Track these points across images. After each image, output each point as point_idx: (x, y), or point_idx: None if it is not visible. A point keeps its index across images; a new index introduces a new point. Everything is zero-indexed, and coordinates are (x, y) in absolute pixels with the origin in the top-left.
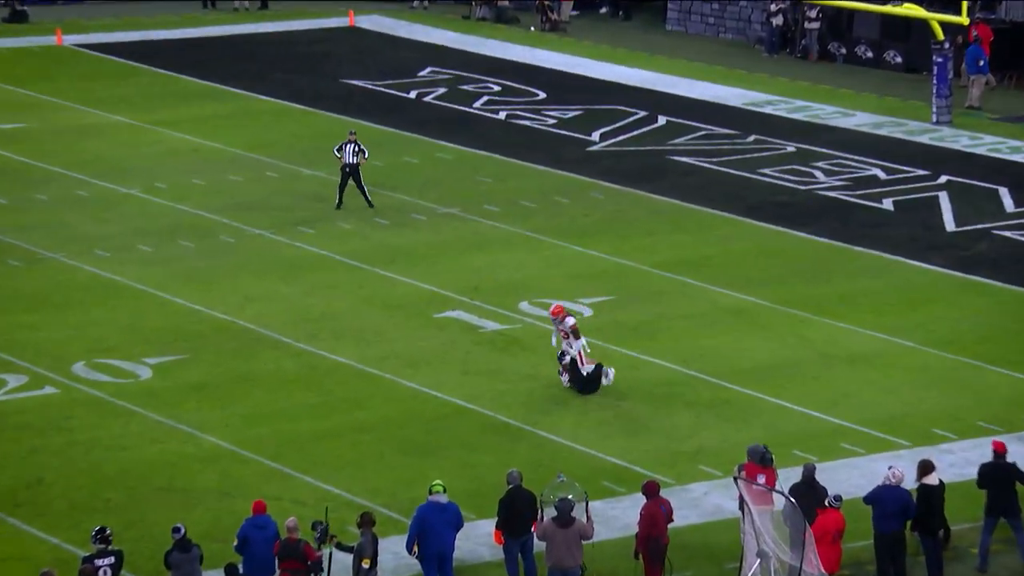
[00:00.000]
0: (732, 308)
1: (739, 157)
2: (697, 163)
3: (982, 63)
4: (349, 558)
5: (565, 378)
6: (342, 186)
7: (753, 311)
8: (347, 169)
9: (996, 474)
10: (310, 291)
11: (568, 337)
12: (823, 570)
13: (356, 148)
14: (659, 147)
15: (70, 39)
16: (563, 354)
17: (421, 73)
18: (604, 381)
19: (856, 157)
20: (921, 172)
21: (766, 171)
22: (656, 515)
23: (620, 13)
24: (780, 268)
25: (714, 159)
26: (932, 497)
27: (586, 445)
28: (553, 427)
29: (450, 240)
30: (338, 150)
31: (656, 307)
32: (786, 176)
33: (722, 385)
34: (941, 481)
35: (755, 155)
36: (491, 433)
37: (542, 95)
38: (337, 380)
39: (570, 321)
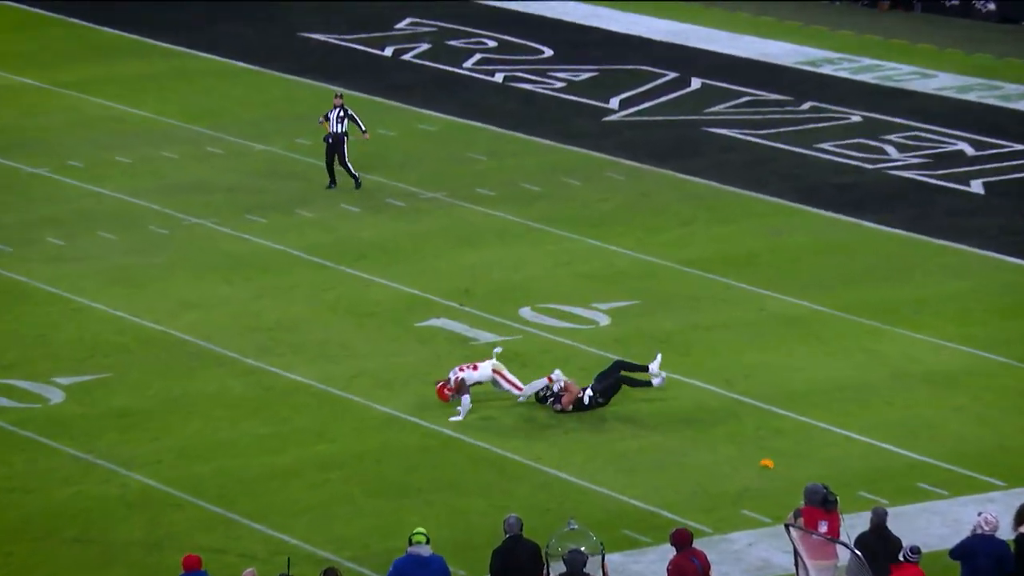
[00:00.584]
0: (784, 316)
1: (792, 129)
2: (740, 136)
3: None
4: None
5: (557, 406)
6: (329, 161)
7: (810, 320)
8: (329, 139)
9: None
10: (261, 294)
11: (456, 392)
12: None
13: (342, 114)
14: (692, 116)
15: None
16: (545, 397)
17: (399, 25)
18: (656, 382)
19: (937, 128)
20: (1019, 147)
21: (825, 146)
22: (687, 571)
23: None
24: (843, 266)
25: (761, 131)
26: None
27: (603, 484)
28: (562, 462)
29: (435, 232)
30: (324, 119)
31: (690, 315)
32: (850, 152)
33: (772, 411)
34: None
35: (812, 126)
36: (485, 469)
37: (548, 52)
38: (295, 405)
39: (459, 376)
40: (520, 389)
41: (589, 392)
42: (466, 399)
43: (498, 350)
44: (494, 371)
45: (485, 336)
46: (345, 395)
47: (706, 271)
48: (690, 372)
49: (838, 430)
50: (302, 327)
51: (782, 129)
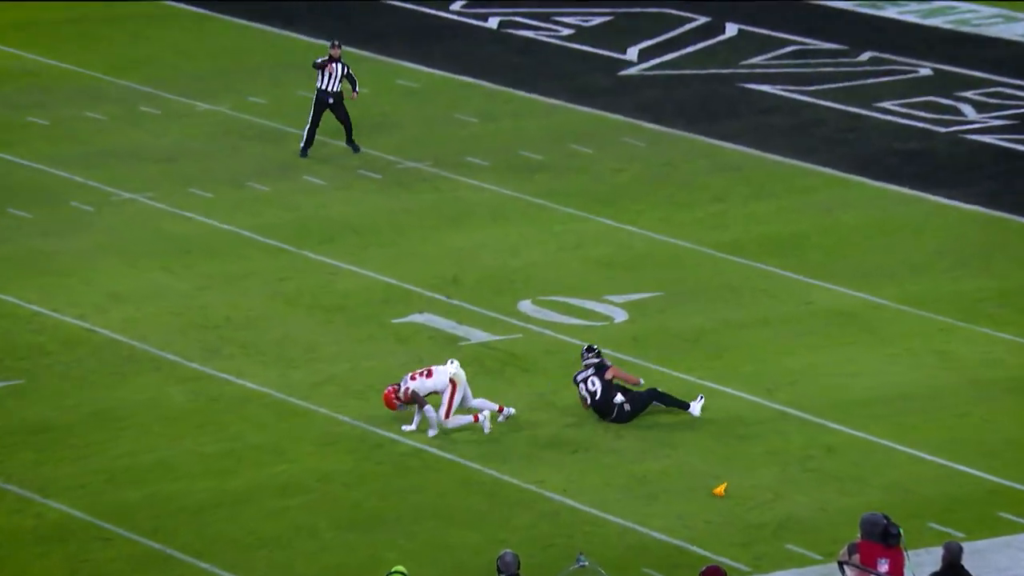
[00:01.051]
0: (838, 310)
1: (847, 85)
2: (783, 94)
3: None
4: None
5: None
6: (315, 122)
7: (869, 315)
8: (329, 100)
9: None
10: (207, 285)
11: (406, 403)
12: None
13: (345, 71)
14: (727, 70)
15: None
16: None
17: None
18: (694, 411)
19: None
20: None
21: (887, 105)
22: None
23: None
24: (909, 251)
25: (809, 88)
26: None
27: (619, 514)
28: (570, 487)
29: (416, 209)
30: (321, 65)
31: (723, 309)
32: (918, 113)
33: (822, 425)
34: None
35: (871, 81)
36: (477, 495)
37: None
38: (248, 417)
39: (408, 386)
40: (446, 417)
41: (620, 396)
42: (429, 410)
43: (454, 364)
44: (451, 381)
45: (477, 335)
46: (309, 406)
47: (743, 256)
48: (723, 378)
49: (902, 448)
50: (256, 324)
51: (835, 85)
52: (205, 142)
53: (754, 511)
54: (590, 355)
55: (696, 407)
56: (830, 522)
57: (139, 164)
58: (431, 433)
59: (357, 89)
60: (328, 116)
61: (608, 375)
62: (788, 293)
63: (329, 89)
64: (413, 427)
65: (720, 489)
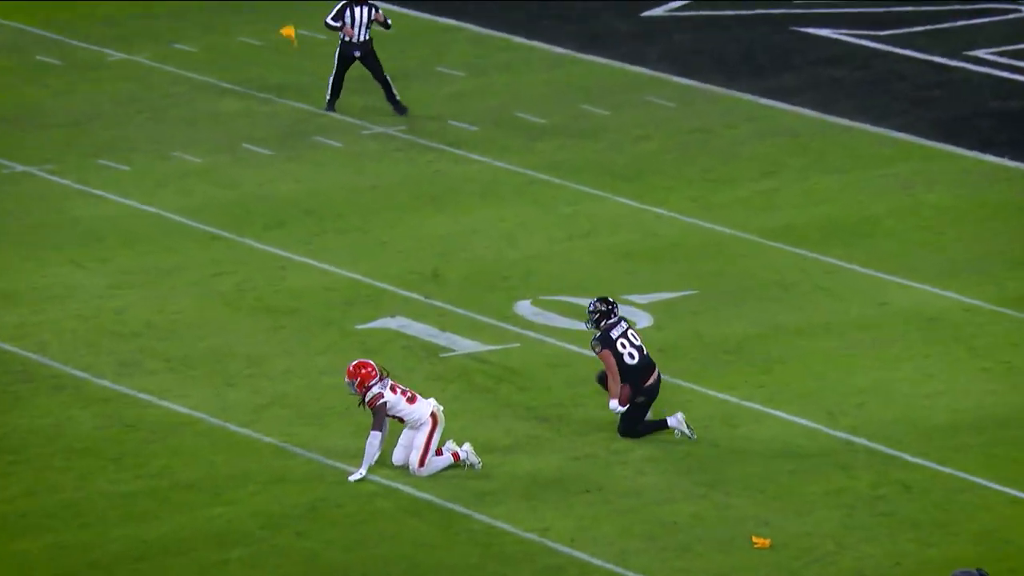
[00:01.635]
0: (918, 314)
1: (931, 29)
2: (850, 40)
3: None
4: None
5: None
6: (340, 76)
7: (958, 320)
8: (355, 53)
9: None
10: (124, 282)
11: (364, 404)
12: None
13: (373, 12)
14: (778, 10)
15: None
16: None
17: None
18: (673, 423)
19: None
20: None
21: (982, 54)
22: None
23: None
24: (1010, 239)
25: (882, 33)
26: None
27: (642, 570)
28: (580, 536)
29: (387, 186)
30: (336, 17)
31: (774, 311)
32: (1021, 63)
33: (897, 457)
34: None
35: (959, 24)
36: (464, 546)
37: None
38: (176, 449)
39: (387, 396)
40: (421, 466)
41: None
42: (375, 439)
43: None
44: (432, 416)
45: (463, 344)
46: (252, 434)
47: (798, 245)
48: (774, 399)
49: (1001, 488)
50: (186, 331)
51: (915, 29)
52: (119, 102)
53: (812, 567)
54: (611, 306)
55: (675, 421)
56: None
57: (37, 130)
58: (353, 477)
59: (389, 23)
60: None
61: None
62: (855, 292)
63: (357, 37)
64: (360, 474)
65: (764, 541)
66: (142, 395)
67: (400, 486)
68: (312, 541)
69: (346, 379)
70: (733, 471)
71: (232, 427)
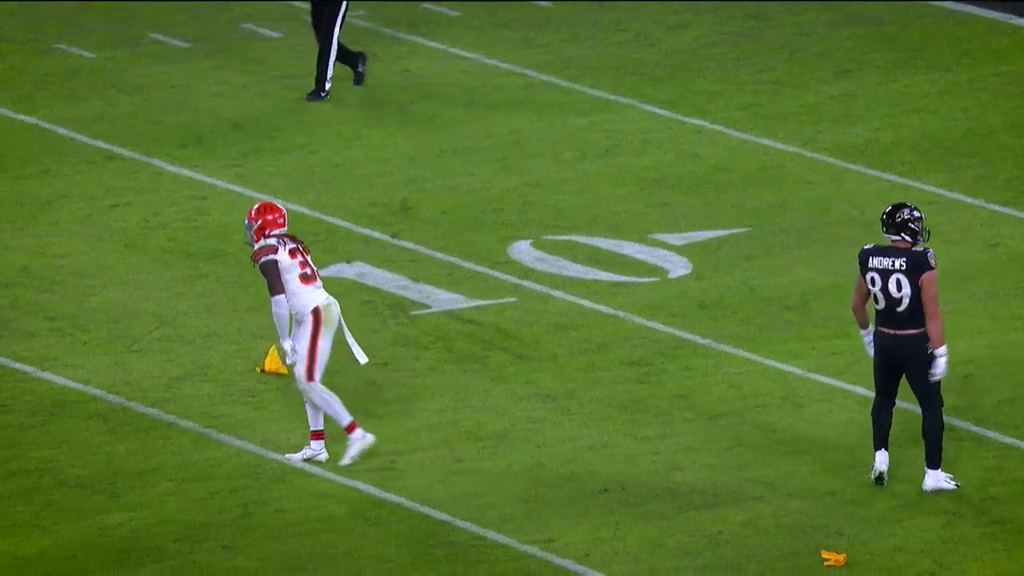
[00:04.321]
0: None
1: None
2: None
3: None
4: None
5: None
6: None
7: None
8: None
9: None
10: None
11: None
12: None
13: None
14: None
15: None
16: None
17: None
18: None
19: None
20: None
21: None
22: None
23: None
24: None
25: None
26: None
27: None
28: (596, 549)
29: (341, 91)
30: None
31: (851, 256)
32: None
33: (1016, 447)
34: None
35: None
36: (443, 563)
37: None
38: (62, 436)
39: (278, 255)
40: (309, 379)
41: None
42: (278, 307)
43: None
44: (314, 312)
45: (442, 298)
46: (163, 415)
47: (883, 169)
48: (848, 371)
49: None
50: (74, 280)
51: None
52: None
53: None
54: (916, 222)
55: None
56: None
57: None
58: (289, 360)
59: None
60: None
61: (925, 282)
62: (960, 230)
63: None
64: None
65: (838, 557)
66: (17, 365)
67: (360, 484)
68: (243, 558)
69: (245, 220)
70: (794, 464)
71: (137, 407)
